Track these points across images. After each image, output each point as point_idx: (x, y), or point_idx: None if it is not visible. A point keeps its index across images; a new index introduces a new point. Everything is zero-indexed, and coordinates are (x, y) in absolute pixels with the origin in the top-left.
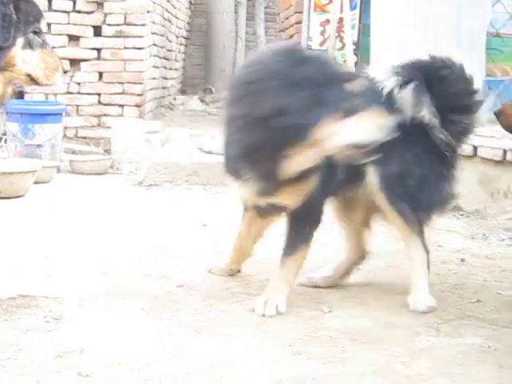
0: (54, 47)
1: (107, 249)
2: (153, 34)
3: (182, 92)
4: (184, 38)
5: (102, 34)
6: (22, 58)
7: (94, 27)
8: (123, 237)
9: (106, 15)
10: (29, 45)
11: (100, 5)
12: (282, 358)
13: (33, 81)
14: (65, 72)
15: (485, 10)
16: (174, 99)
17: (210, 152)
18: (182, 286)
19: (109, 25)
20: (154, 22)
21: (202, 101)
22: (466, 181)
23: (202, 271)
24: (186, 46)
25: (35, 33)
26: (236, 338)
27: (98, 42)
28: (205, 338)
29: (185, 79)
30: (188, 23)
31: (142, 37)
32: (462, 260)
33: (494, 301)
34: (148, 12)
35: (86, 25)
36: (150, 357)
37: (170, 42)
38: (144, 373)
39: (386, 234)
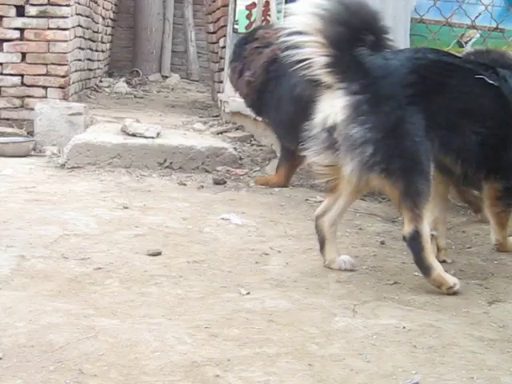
0: None
1: (22, 231)
2: (78, 14)
3: (109, 74)
4: (111, 19)
5: (25, 13)
6: None
7: (17, 7)
8: (39, 219)
9: None
10: None
11: None
12: (198, 339)
13: None
14: None
15: None
16: (101, 81)
17: (133, 135)
18: (100, 269)
19: (32, 4)
20: (78, 3)
21: (129, 83)
22: None
23: (121, 254)
24: (113, 27)
25: None
26: (151, 319)
27: (21, 22)
28: (120, 320)
29: (112, 61)
30: (115, 5)
31: (66, 17)
32: (382, 243)
33: (410, 283)
34: None
35: (9, 4)
36: (64, 339)
37: (97, 23)
38: (57, 355)
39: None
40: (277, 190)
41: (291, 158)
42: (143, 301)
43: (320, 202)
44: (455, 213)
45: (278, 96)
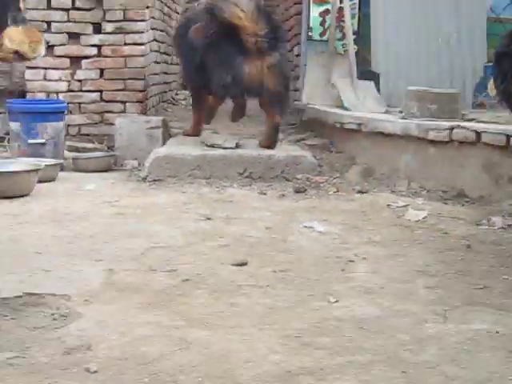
0: (55, 45)
1: (109, 245)
2: (153, 29)
3: (184, 87)
4: None
5: (102, 30)
6: (10, 36)
7: (94, 24)
8: (125, 232)
9: (105, 12)
10: (14, 22)
11: (99, 1)
12: (289, 348)
13: (20, 56)
14: (47, 44)
15: None
16: (177, 94)
17: (212, 146)
18: (188, 280)
19: (108, 21)
20: (153, 18)
21: None
22: (470, 167)
23: (207, 265)
24: None
25: (18, 10)
26: (242, 329)
27: (98, 38)
28: (211, 331)
29: None
30: None
31: (142, 32)
32: (468, 246)
33: (500, 286)
34: (147, 7)
35: (86, 22)
36: (157, 351)
37: (171, 36)
38: (151, 367)
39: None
40: (358, 196)
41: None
42: (233, 311)
43: (403, 207)
44: None
45: None
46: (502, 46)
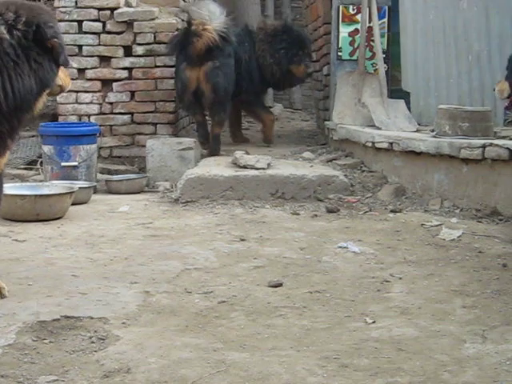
0: (86, 68)
1: (145, 267)
2: None
3: None
4: None
5: (133, 53)
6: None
7: (125, 47)
8: (159, 254)
9: (135, 35)
10: None
11: (130, 25)
12: (328, 370)
13: (60, 89)
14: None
15: None
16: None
17: (244, 167)
18: (224, 302)
19: (139, 44)
20: None
21: None
22: (503, 185)
23: (243, 286)
24: None
25: None
26: (280, 351)
27: (128, 61)
28: (249, 353)
29: None
30: None
31: (171, 55)
32: (504, 265)
33: None
34: (177, 30)
35: (117, 45)
36: (196, 374)
37: None
38: None
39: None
40: (391, 215)
41: None
42: (270, 333)
43: (436, 225)
44: None
45: None
46: None
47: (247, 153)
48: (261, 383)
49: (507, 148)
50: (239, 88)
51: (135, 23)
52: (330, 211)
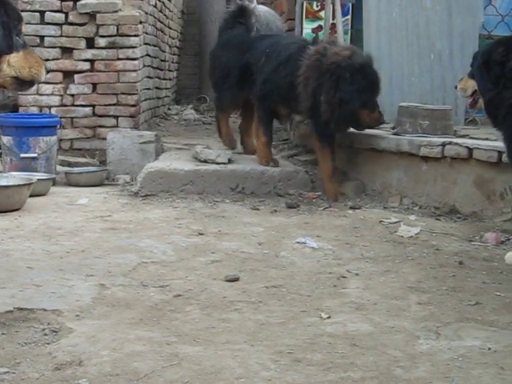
0: (48, 59)
1: (101, 260)
2: (146, 44)
3: (177, 102)
4: (177, 47)
5: (95, 45)
6: (8, 61)
7: (87, 39)
8: (117, 248)
9: (98, 27)
10: (15, 47)
11: (92, 16)
12: (281, 365)
13: (19, 82)
14: (47, 71)
15: (476, 13)
16: (169, 109)
17: (205, 161)
18: (180, 296)
19: (101, 36)
20: (146, 33)
21: (197, 110)
22: (462, 183)
23: (199, 280)
24: (179, 55)
25: (17, 35)
26: (234, 345)
27: (91, 53)
28: (203, 347)
29: (179, 89)
30: (181, 33)
31: (134, 47)
32: (461, 263)
33: (492, 303)
34: (140, 23)
35: (79, 37)
36: (149, 367)
37: (164, 52)
38: (143, 383)
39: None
40: (350, 212)
41: None
42: (224, 327)
43: (395, 223)
44: None
45: None
46: (496, 54)
47: (208, 147)
48: (213, 377)
49: (466, 147)
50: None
51: (98, 15)
52: (289, 207)
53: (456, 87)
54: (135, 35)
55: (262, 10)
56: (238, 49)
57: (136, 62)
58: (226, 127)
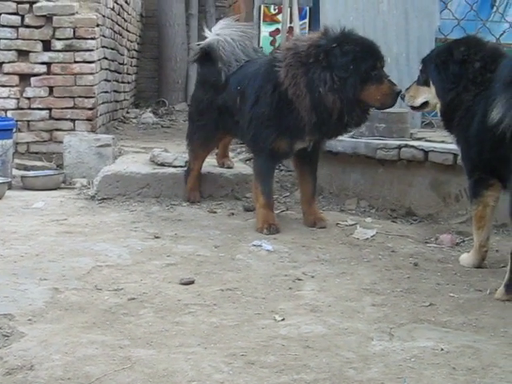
0: (3, 62)
1: (55, 264)
2: (103, 47)
3: (136, 105)
4: (136, 51)
5: (52, 48)
6: None
7: (43, 41)
8: (71, 251)
9: (54, 29)
10: None
11: (49, 19)
12: (234, 367)
13: None
14: None
15: (432, 17)
16: (127, 113)
17: (162, 164)
18: (134, 299)
19: (58, 39)
20: (104, 36)
21: (156, 113)
22: (418, 186)
23: (154, 284)
24: (138, 59)
25: None
26: (187, 348)
27: (47, 56)
28: (156, 350)
29: (138, 92)
30: (140, 36)
31: (91, 50)
32: (416, 264)
33: (446, 304)
34: (97, 25)
35: (35, 39)
36: (101, 371)
37: (122, 55)
38: None
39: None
40: None
41: None
42: (178, 330)
43: (351, 225)
44: None
45: None
46: (458, 53)
47: (166, 150)
48: (165, 380)
49: (422, 149)
50: None
51: (54, 17)
52: (246, 210)
53: (403, 97)
54: (92, 38)
55: (224, 39)
56: (213, 89)
57: (93, 64)
58: (194, 180)
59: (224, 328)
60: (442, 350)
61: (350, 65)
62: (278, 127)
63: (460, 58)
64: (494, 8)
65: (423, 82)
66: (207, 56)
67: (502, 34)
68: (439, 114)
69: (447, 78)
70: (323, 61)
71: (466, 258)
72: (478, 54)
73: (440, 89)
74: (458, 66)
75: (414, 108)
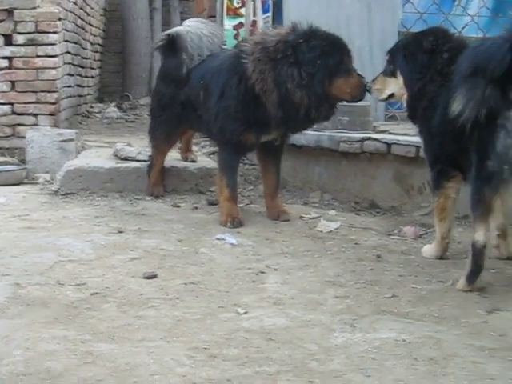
0: None
1: (17, 259)
2: (66, 41)
3: (100, 100)
4: (99, 45)
5: (13, 42)
6: None
7: (5, 36)
8: (34, 246)
9: (16, 23)
10: None
11: (10, 13)
12: (197, 360)
13: None
14: None
15: (395, 10)
16: (91, 107)
17: (125, 159)
18: (97, 294)
19: (20, 33)
20: (66, 30)
21: (120, 108)
22: (381, 178)
23: (117, 278)
24: (101, 53)
25: None
26: (149, 342)
27: (9, 50)
28: (118, 345)
29: (102, 87)
30: (103, 30)
31: (54, 44)
32: (378, 256)
33: (408, 295)
34: (60, 19)
35: None
36: (62, 366)
37: (85, 49)
38: (56, 382)
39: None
40: None
41: None
42: (141, 324)
43: (315, 218)
44: None
45: None
46: (427, 43)
47: (129, 145)
48: (127, 374)
49: (385, 142)
50: None
51: (16, 11)
52: (210, 203)
53: (369, 89)
54: (54, 32)
55: (194, 32)
56: (175, 83)
57: (55, 59)
58: (157, 175)
59: (187, 321)
60: (404, 340)
61: (317, 60)
62: (245, 120)
63: (429, 48)
64: (456, 1)
65: (390, 73)
66: (172, 45)
67: (464, 28)
68: (405, 105)
69: (416, 68)
70: (291, 56)
71: (429, 249)
72: (447, 45)
73: (408, 79)
74: (427, 56)
75: (380, 99)
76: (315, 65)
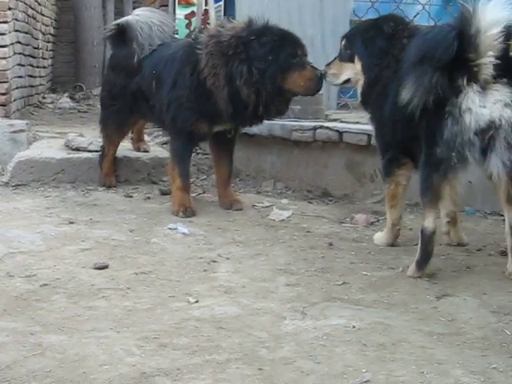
0: None
1: None
2: (16, 31)
3: (52, 90)
4: (51, 35)
5: None
6: None
7: None
8: None
9: None
10: None
11: None
12: (147, 350)
13: None
14: None
15: None
16: (44, 98)
17: (77, 149)
18: (47, 285)
19: None
20: (16, 19)
21: (73, 98)
22: (333, 166)
23: (68, 269)
24: (54, 43)
25: None
26: (99, 332)
27: None
28: (68, 336)
29: (54, 77)
30: (55, 20)
31: (4, 34)
32: (330, 244)
33: (359, 282)
34: (9, 9)
35: None
36: (10, 358)
37: (37, 39)
38: (3, 374)
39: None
40: None
41: None
42: (91, 315)
43: (267, 206)
44: None
45: None
46: (388, 27)
47: (81, 135)
48: (76, 365)
49: (337, 130)
50: None
51: None
52: (163, 193)
53: (324, 73)
54: (4, 22)
55: (144, 21)
56: (126, 73)
57: (6, 49)
58: (109, 165)
59: (137, 311)
60: (354, 327)
61: (268, 55)
62: (197, 110)
63: (390, 33)
64: None
65: (348, 58)
66: (122, 35)
67: (416, 16)
68: (359, 91)
69: (374, 53)
70: (242, 53)
71: (380, 236)
72: (406, 31)
73: (366, 64)
74: (386, 42)
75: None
76: (266, 61)
